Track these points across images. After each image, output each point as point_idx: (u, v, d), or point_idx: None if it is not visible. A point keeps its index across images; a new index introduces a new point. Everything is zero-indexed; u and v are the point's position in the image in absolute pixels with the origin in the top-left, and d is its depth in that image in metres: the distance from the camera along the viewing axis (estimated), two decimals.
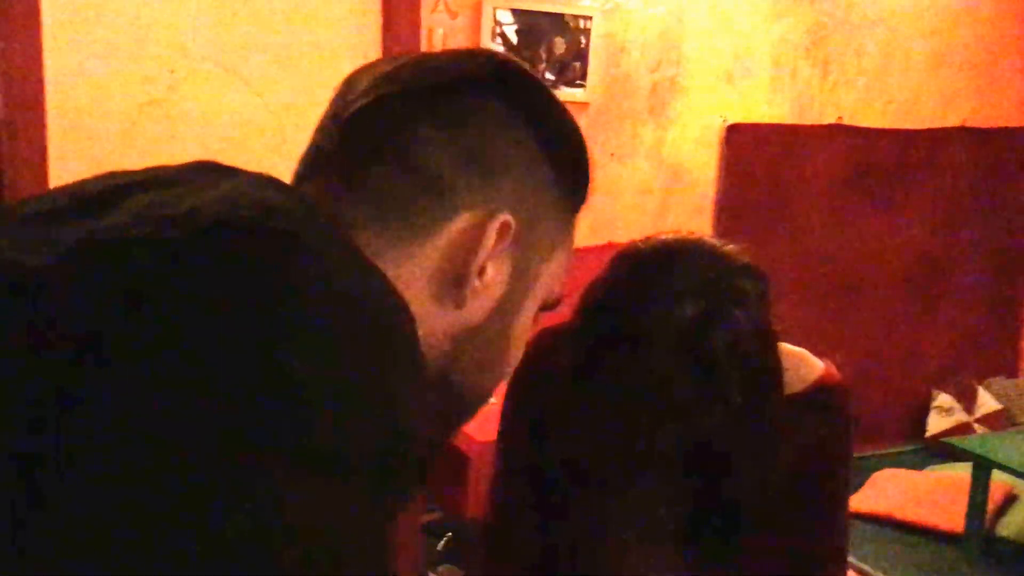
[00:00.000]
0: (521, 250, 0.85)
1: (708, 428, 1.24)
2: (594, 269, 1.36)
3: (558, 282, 0.92)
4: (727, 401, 1.22)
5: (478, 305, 0.83)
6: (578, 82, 3.99)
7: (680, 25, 4.19)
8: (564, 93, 3.95)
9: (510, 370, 0.91)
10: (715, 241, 1.34)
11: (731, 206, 4.37)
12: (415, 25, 2.22)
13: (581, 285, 1.33)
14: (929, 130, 4.81)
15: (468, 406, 0.90)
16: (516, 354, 0.91)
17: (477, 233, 0.81)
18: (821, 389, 1.42)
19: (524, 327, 0.90)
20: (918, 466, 4.61)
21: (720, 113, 4.32)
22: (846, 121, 4.61)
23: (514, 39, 3.82)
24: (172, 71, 1.92)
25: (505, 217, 0.82)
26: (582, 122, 3.84)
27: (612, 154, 4.12)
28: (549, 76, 3.92)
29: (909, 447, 4.91)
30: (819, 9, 4.46)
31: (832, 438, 1.43)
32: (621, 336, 1.26)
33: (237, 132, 2.02)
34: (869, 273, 4.79)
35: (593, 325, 1.31)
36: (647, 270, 1.29)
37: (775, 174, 4.50)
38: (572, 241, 0.93)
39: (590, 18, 3.96)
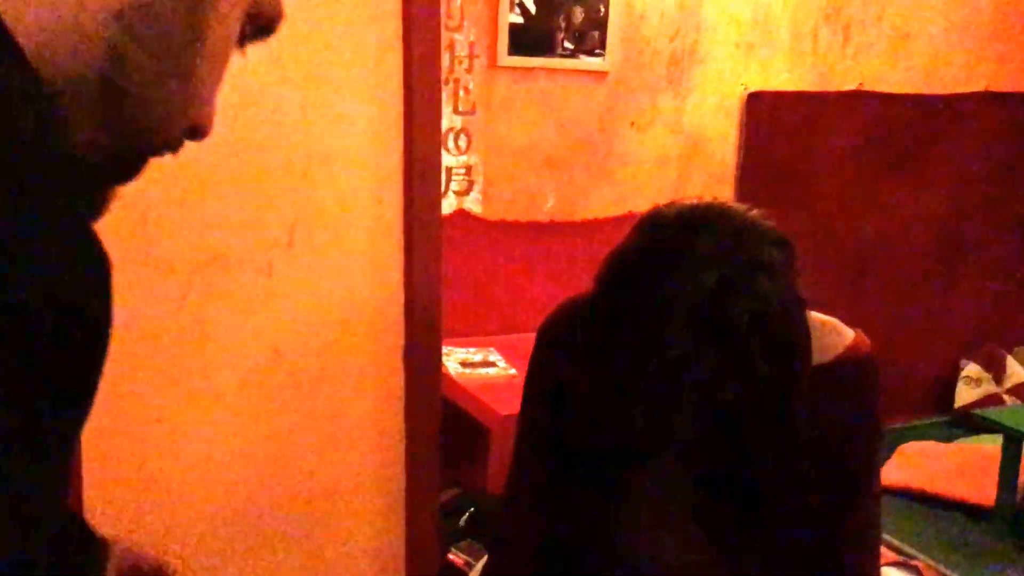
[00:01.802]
0: None
1: (730, 401, 1.20)
2: (615, 239, 1.32)
3: None
4: (750, 373, 1.18)
5: None
6: (597, 51, 3.93)
7: None
8: (584, 62, 3.90)
9: (206, 93, 0.75)
10: (740, 207, 1.30)
11: (752, 175, 4.31)
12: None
13: (601, 255, 1.30)
14: (952, 95, 4.74)
15: (149, 128, 0.73)
16: (209, 71, 0.74)
17: None
18: (851, 358, 1.39)
19: (219, 33, 0.73)
20: (946, 438, 4.56)
21: (740, 81, 4.26)
22: (867, 87, 4.54)
23: (532, 8, 3.77)
24: None
25: None
26: (602, 92, 3.80)
27: (632, 123, 4.07)
28: (568, 45, 3.86)
29: (937, 419, 4.86)
30: None
31: (862, 408, 1.41)
32: (641, 306, 1.22)
33: (258, 100, 2.00)
34: (893, 240, 4.73)
35: (613, 295, 1.27)
36: (669, 237, 1.25)
37: (796, 142, 4.44)
38: None
39: None
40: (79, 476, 1.92)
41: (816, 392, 1.31)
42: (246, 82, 1.97)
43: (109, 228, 1.89)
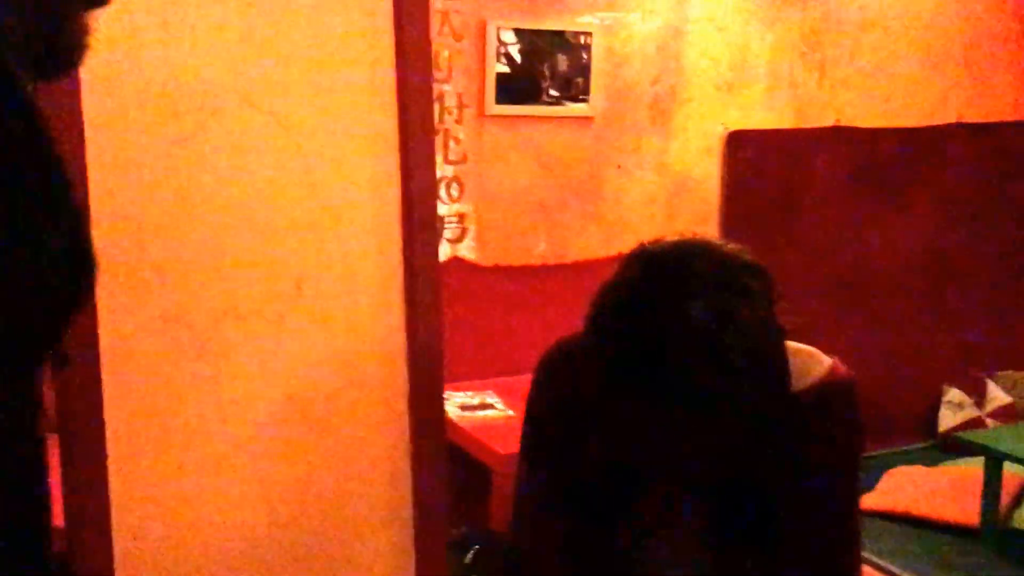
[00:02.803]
0: None
1: (727, 427, 1.28)
2: (605, 279, 1.36)
3: None
4: (744, 400, 1.25)
5: None
6: (581, 97, 4.06)
7: (678, 37, 4.26)
8: (569, 108, 4.02)
9: None
10: (718, 241, 1.37)
11: (737, 212, 4.43)
12: (426, 53, 2.29)
13: (589, 297, 1.35)
14: (927, 127, 4.87)
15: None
16: None
17: None
18: (828, 384, 1.45)
19: None
20: (931, 462, 4.66)
21: (721, 121, 4.39)
22: (844, 123, 4.67)
23: (518, 58, 3.89)
24: (200, 108, 1.99)
25: None
26: (588, 136, 3.92)
27: (618, 166, 4.19)
28: (553, 92, 3.98)
29: (922, 444, 4.96)
30: (812, 14, 4.53)
31: (840, 432, 1.46)
32: (636, 340, 1.27)
33: (265, 161, 2.10)
34: (876, 271, 4.85)
35: (609, 330, 1.31)
36: (658, 273, 1.30)
37: (778, 178, 4.56)
38: None
39: (590, 34, 4.03)
40: (108, 522, 2.01)
41: (797, 418, 1.40)
42: (252, 143, 2.07)
43: (130, 287, 1.97)
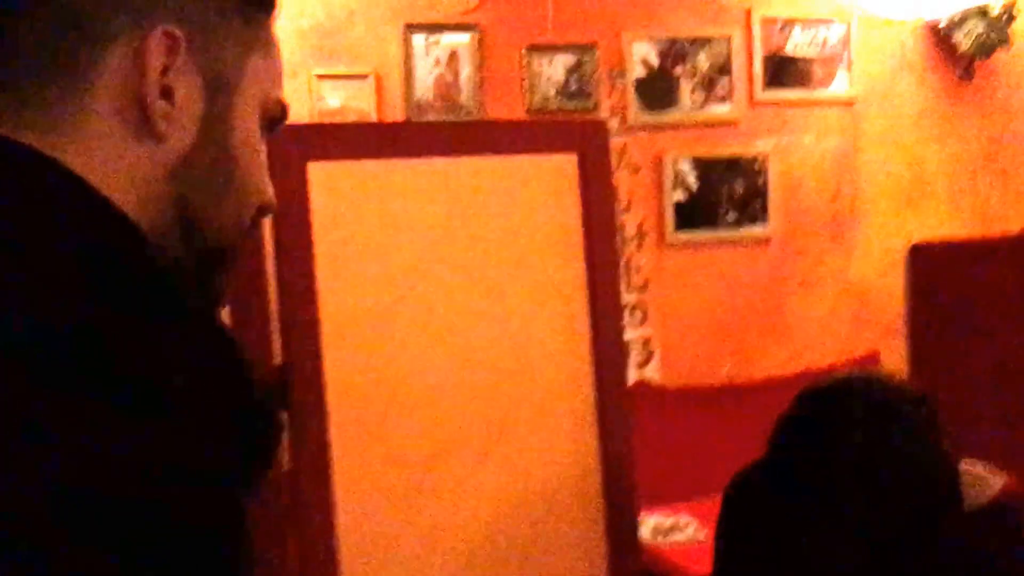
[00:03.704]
0: (206, 60, 0.79)
1: (883, 548, 1.37)
2: (791, 397, 1.53)
3: (273, 88, 0.86)
4: (895, 522, 1.34)
5: (180, 130, 0.77)
6: (759, 219, 4.14)
7: (854, 154, 4.32)
8: (747, 230, 4.12)
9: (253, 198, 0.85)
10: (883, 373, 1.50)
11: (924, 326, 4.39)
12: (610, 214, 2.46)
13: (776, 414, 1.52)
14: None
15: (218, 247, 0.83)
16: (252, 174, 0.84)
17: (140, 56, 0.75)
18: (1001, 504, 1.52)
19: (247, 142, 0.83)
20: None
21: (902, 234, 4.40)
22: None
23: (694, 185, 4.02)
24: (413, 270, 2.19)
25: (165, 29, 0.75)
26: (767, 256, 4.00)
27: (800, 283, 4.24)
28: (731, 216, 4.09)
29: None
30: (991, 124, 4.52)
31: (1011, 552, 1.51)
32: (803, 467, 1.42)
33: (468, 316, 2.28)
34: None
35: (780, 459, 1.49)
36: (822, 408, 1.45)
37: (966, 290, 4.51)
38: (272, 41, 0.86)
39: (766, 157, 4.13)
40: None
41: (970, 537, 1.45)
42: (457, 301, 2.26)
43: (358, 433, 2.15)
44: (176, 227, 0.78)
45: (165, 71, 0.75)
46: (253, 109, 0.83)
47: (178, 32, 0.75)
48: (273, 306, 2.06)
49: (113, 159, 0.73)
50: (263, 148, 0.85)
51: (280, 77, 0.87)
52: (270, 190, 0.86)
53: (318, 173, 2.11)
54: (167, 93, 0.75)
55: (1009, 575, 1.50)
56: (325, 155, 2.14)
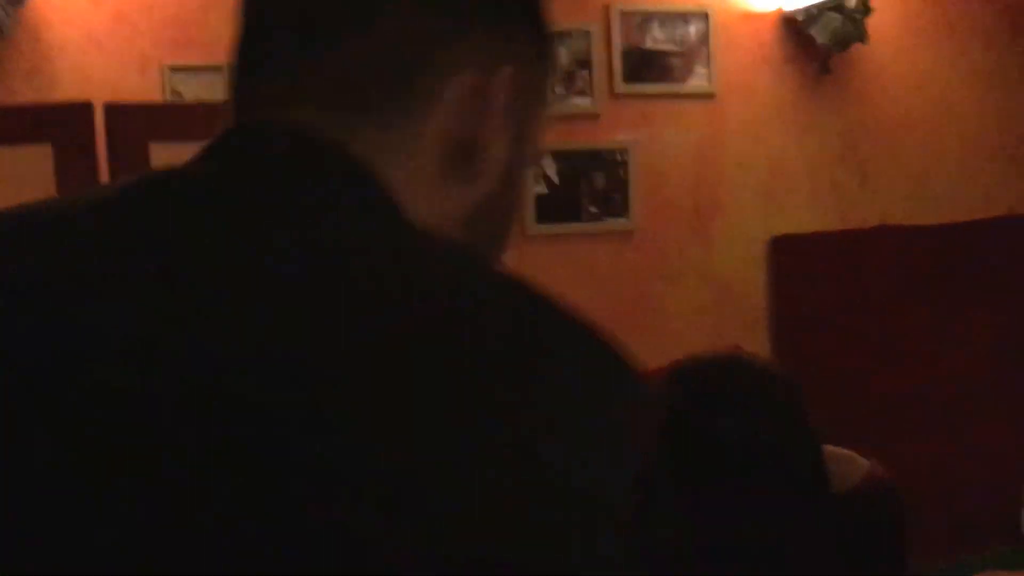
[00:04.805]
0: (518, 107, 0.74)
1: (751, 534, 1.29)
2: (656, 391, 1.44)
3: (543, 137, 0.84)
4: (767, 508, 1.28)
5: (487, 175, 0.72)
6: (621, 213, 4.10)
7: (716, 147, 4.31)
8: (609, 224, 4.07)
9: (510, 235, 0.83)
10: (749, 355, 1.44)
11: (785, 318, 4.40)
12: None
13: None
14: (975, 221, 4.82)
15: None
16: (518, 215, 0.85)
17: (481, 93, 0.70)
18: (867, 487, 1.46)
19: (524, 186, 0.84)
20: (1021, 566, 4.49)
21: (763, 227, 4.40)
22: (889, 222, 4.65)
23: (556, 179, 3.96)
24: None
25: (510, 71, 0.71)
26: (630, 249, 3.94)
27: (663, 276, 4.20)
28: (593, 209, 4.04)
29: (1009, 548, 4.79)
30: (849, 118, 4.56)
31: (880, 535, 1.47)
32: (673, 458, 1.34)
33: None
34: (942, 370, 4.75)
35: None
36: (692, 392, 1.39)
37: (825, 282, 4.54)
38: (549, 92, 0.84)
39: (627, 151, 4.09)
40: None
41: (833, 521, 1.39)
42: None
43: None
44: None
45: (503, 114, 0.71)
46: (531, 160, 0.81)
47: (520, 76, 0.72)
48: None
49: (426, 192, 0.69)
50: None
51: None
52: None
53: None
54: (496, 134, 0.71)
55: (880, 557, 1.47)
56: None
